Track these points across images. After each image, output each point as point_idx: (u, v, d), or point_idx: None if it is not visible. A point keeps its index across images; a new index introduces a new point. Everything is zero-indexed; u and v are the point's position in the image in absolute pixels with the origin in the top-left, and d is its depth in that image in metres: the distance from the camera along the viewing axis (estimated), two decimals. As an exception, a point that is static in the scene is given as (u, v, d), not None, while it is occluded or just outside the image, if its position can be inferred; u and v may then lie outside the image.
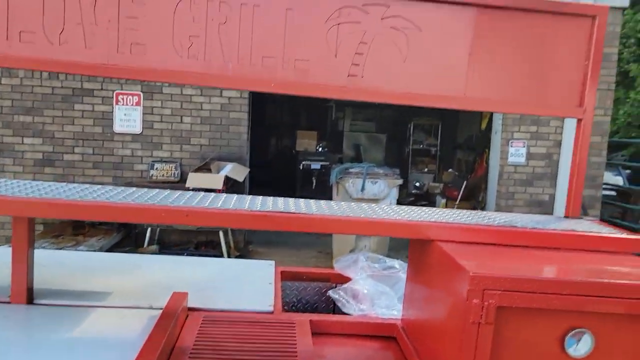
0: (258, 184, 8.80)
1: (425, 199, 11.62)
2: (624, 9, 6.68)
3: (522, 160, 6.71)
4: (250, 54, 1.85)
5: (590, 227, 1.85)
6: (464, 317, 1.42)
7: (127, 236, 5.79)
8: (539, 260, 1.61)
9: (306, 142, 11.14)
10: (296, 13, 1.86)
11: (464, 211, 2.07)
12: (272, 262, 2.54)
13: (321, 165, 10.11)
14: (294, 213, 1.72)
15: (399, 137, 12.90)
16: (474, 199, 9.48)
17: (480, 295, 1.40)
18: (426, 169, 12.64)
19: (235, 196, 1.96)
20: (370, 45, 1.91)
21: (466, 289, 1.41)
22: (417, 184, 12.16)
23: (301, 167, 10.26)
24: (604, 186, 7.97)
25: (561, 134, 6.62)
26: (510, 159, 6.71)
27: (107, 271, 2.26)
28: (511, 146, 6.66)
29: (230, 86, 1.98)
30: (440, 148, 12.90)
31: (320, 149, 11.43)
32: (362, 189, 6.10)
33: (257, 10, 1.83)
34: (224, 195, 1.97)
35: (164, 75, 1.84)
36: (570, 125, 6.59)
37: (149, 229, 5.73)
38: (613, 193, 8.22)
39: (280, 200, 1.94)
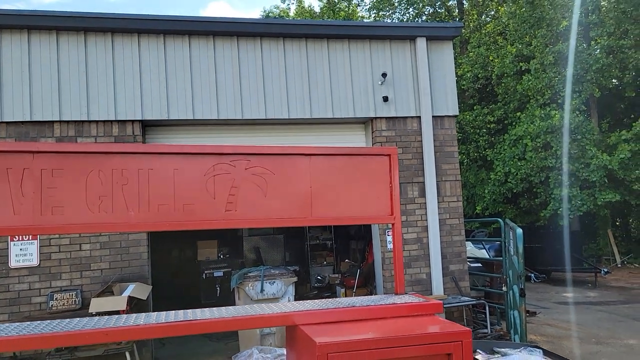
0: (162, 298, 8.91)
1: (328, 290, 12.24)
2: (455, 116, 8.31)
3: (398, 246, 7.70)
4: (148, 203, 2.48)
5: (405, 299, 2.61)
6: (318, 376, 2.05)
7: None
8: (367, 327, 2.31)
9: (207, 251, 11.49)
10: (181, 171, 2.55)
11: (324, 300, 2.75)
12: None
13: (223, 272, 10.46)
14: (182, 321, 2.27)
15: (297, 235, 13.66)
16: (369, 285, 10.30)
17: (325, 358, 2.06)
18: (325, 262, 13.39)
19: (134, 315, 2.47)
20: (239, 188, 2.64)
21: (316, 355, 2.05)
22: (319, 277, 12.80)
23: (204, 276, 10.51)
24: (470, 259, 9.23)
25: (426, 220, 7.80)
26: (389, 246, 7.69)
27: None
28: (388, 235, 7.67)
29: (134, 230, 2.54)
30: (335, 241, 13.82)
31: (221, 256, 11.79)
32: (261, 290, 6.63)
33: (151, 172, 2.50)
34: (125, 315, 2.47)
35: (80, 228, 2.39)
36: (432, 216, 7.79)
37: (50, 362, 5.68)
38: (480, 265, 9.51)
39: (172, 313, 2.48)
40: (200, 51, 7.20)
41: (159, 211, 2.49)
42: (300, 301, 2.77)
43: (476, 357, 2.40)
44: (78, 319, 2.42)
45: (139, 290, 6.26)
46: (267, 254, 12.62)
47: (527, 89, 18.02)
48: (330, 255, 13.88)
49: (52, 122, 6.57)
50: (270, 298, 6.67)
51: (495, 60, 20.23)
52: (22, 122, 6.47)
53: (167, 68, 7.03)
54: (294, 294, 6.95)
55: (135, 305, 6.23)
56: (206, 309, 2.54)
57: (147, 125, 7.15)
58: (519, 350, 2.57)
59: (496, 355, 2.56)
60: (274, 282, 6.78)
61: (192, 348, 8.08)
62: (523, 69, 18.64)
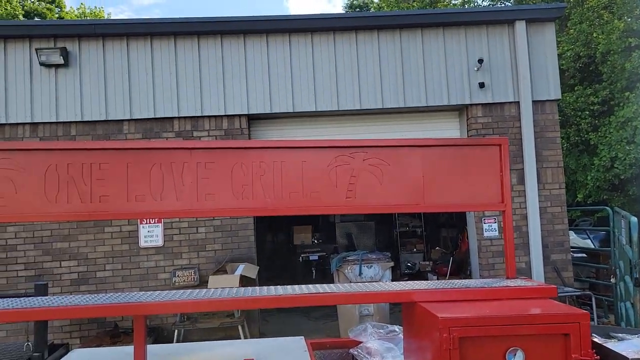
0: (264, 278, 9.57)
1: (418, 277, 12.32)
2: (557, 100, 8.01)
3: (496, 234, 7.66)
4: (281, 191, 2.84)
5: (518, 283, 2.76)
6: (440, 347, 2.29)
7: (156, 340, 6.45)
8: (484, 307, 2.50)
9: (302, 235, 12.08)
10: (308, 163, 2.88)
11: (437, 281, 2.97)
12: (302, 337, 3.36)
13: (319, 256, 10.98)
14: (314, 293, 2.60)
15: (386, 222, 13.86)
16: (462, 273, 10.28)
17: (448, 331, 2.29)
18: (415, 249, 13.47)
19: (272, 287, 2.84)
20: (358, 177, 2.92)
21: (439, 328, 2.29)
22: (409, 264, 12.92)
23: (301, 259, 11.10)
24: (574, 249, 8.88)
25: (525, 208, 7.65)
26: (486, 234, 7.66)
27: (174, 358, 3.04)
28: (484, 223, 7.64)
29: (269, 214, 2.87)
30: (425, 228, 13.83)
31: (315, 241, 12.33)
32: (360, 273, 6.95)
33: (284, 165, 2.85)
34: (256, 288, 2.84)
35: (228, 212, 2.80)
36: (531, 204, 7.63)
37: (175, 331, 6.44)
38: (584, 255, 9.10)
39: (304, 287, 2.82)
40: (300, 47, 7.59)
41: (290, 198, 2.83)
42: (415, 281, 3.01)
43: (592, 339, 2.50)
44: (226, 289, 2.84)
45: (249, 269, 6.84)
46: (358, 240, 12.96)
47: (637, 66, 16.59)
48: (420, 242, 13.92)
49: (172, 118, 7.31)
50: (368, 281, 6.97)
51: (600, 37, 18.79)
52: (148, 119, 7.27)
53: (269, 65, 7.50)
54: (390, 279, 7.20)
55: (245, 284, 6.82)
56: (332, 285, 2.85)
57: (252, 119, 7.69)
58: (636, 335, 2.62)
59: (613, 340, 2.63)
60: (372, 266, 7.07)
61: (293, 325, 8.64)
62: (632, 45, 17.16)
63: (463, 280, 2.96)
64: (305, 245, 11.88)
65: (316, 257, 10.93)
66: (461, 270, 10.34)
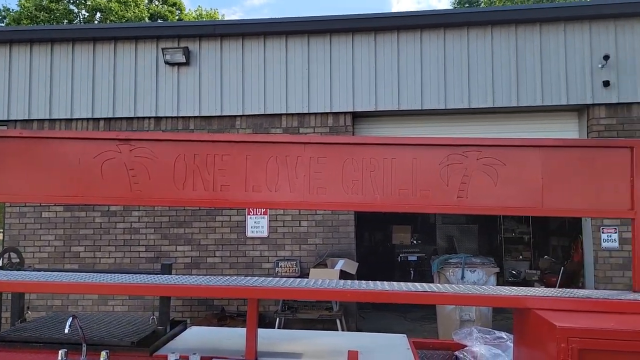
0: (362, 276, 9.62)
1: (523, 286, 11.66)
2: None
3: (616, 245, 7.02)
4: (391, 188, 2.84)
5: (648, 297, 2.51)
6: (556, 358, 2.16)
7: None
8: (606, 319, 2.31)
9: (401, 235, 11.96)
10: (419, 161, 2.85)
11: (553, 289, 2.80)
12: (405, 335, 3.35)
13: (417, 257, 10.81)
14: (426, 292, 2.58)
15: (490, 227, 13.27)
16: (573, 285, 9.54)
17: (566, 341, 2.16)
18: (521, 257, 12.76)
19: (379, 282, 2.86)
20: (470, 177, 2.84)
21: (556, 338, 2.17)
22: (513, 272, 12.27)
23: (399, 259, 11.01)
24: None
25: (652, 218, 6.92)
26: (604, 245, 7.05)
27: (282, 343, 3.17)
28: (602, 232, 7.03)
29: (377, 210, 2.90)
30: (533, 235, 13.04)
31: (414, 242, 12.15)
32: (462, 277, 6.74)
33: (394, 162, 2.85)
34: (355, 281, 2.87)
35: (337, 206, 2.87)
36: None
37: (277, 319, 6.72)
38: None
39: (410, 285, 2.80)
40: (408, 45, 7.51)
41: (399, 195, 2.83)
42: (529, 287, 2.87)
43: None
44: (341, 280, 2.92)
45: (349, 265, 6.93)
46: (459, 243, 12.55)
47: None
48: (527, 249, 13.15)
49: (280, 114, 7.61)
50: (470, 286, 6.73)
51: None
52: (258, 115, 7.64)
53: (376, 63, 7.52)
54: (494, 285, 6.89)
55: (344, 279, 6.91)
56: (439, 285, 2.81)
57: (356, 117, 7.76)
58: None
59: None
60: (475, 270, 6.83)
61: (389, 324, 8.60)
62: None
63: (582, 290, 2.76)
64: (404, 246, 11.76)
65: (415, 258, 10.78)
66: (572, 282, 9.61)
